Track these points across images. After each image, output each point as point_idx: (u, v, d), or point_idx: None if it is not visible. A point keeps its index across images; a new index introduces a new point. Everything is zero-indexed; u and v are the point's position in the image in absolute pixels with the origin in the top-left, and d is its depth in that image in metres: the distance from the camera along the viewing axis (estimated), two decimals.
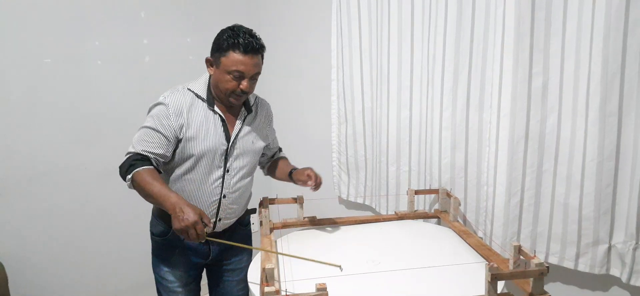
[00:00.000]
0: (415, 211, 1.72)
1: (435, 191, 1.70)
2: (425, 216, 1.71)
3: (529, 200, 1.45)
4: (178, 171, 1.38)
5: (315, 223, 1.61)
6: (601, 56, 1.23)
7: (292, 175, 1.52)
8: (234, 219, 1.51)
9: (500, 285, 1.07)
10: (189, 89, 1.39)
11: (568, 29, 1.31)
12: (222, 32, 1.36)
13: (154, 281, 1.56)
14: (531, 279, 1.02)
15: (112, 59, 2.02)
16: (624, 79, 1.22)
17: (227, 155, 1.41)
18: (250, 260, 1.52)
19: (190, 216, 1.15)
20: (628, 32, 1.20)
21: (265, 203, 1.60)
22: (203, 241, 1.19)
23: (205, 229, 1.18)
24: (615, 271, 1.34)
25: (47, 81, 1.86)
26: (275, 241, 1.46)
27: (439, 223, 1.72)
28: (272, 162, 1.68)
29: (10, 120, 1.79)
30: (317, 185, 1.47)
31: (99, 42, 1.99)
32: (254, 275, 1.29)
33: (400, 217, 1.68)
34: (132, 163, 1.28)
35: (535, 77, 1.37)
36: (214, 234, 1.44)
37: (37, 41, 1.83)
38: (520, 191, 1.45)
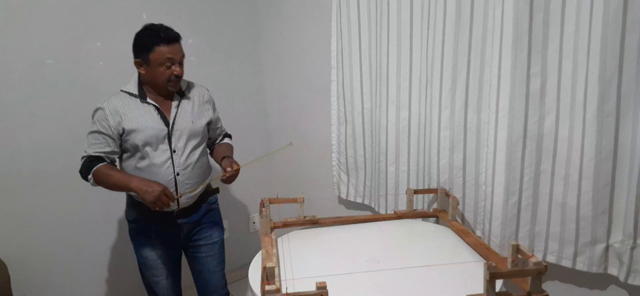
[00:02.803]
0: (414, 210, 1.73)
1: (434, 191, 1.71)
2: (424, 216, 1.72)
3: (527, 200, 1.46)
4: (132, 163, 1.56)
5: (315, 222, 1.62)
6: (599, 57, 1.24)
7: (222, 162, 1.68)
8: (194, 195, 1.65)
9: (499, 284, 1.08)
10: (122, 91, 1.58)
11: (566, 30, 1.31)
12: (140, 34, 1.54)
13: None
14: (529, 278, 1.03)
15: (114, 60, 2.03)
16: (622, 79, 1.23)
17: (170, 137, 1.57)
18: (222, 235, 1.80)
19: (155, 188, 1.40)
20: (626, 32, 1.20)
21: (265, 202, 1.61)
22: (175, 205, 1.46)
23: (170, 203, 1.43)
24: (613, 270, 1.34)
25: (49, 81, 1.87)
26: (276, 240, 1.47)
27: (437, 222, 1.73)
28: (216, 145, 1.84)
29: (12, 120, 1.80)
30: (227, 178, 1.62)
31: (101, 43, 1.99)
32: (254, 274, 1.30)
33: (399, 216, 1.69)
34: (88, 165, 1.49)
35: (533, 78, 1.38)
36: (182, 211, 1.63)
37: (39, 42, 1.84)
38: (518, 190, 1.46)
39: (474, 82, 1.56)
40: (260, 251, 1.39)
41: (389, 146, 1.88)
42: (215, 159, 1.78)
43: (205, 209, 1.74)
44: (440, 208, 1.70)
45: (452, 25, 1.56)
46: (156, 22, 2.14)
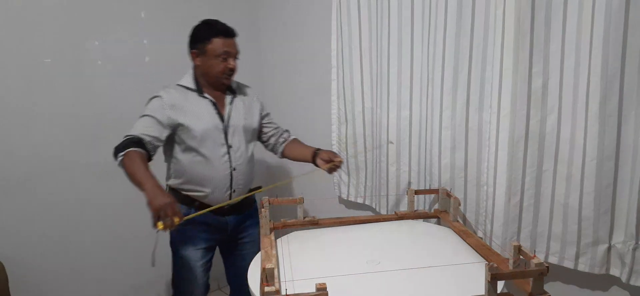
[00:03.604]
0: (415, 211, 1.72)
1: (435, 191, 1.70)
2: (425, 216, 1.71)
3: (529, 200, 1.45)
4: (190, 156, 1.56)
5: (315, 223, 1.61)
6: (601, 56, 1.23)
7: (320, 153, 1.67)
8: (245, 191, 1.67)
9: (500, 285, 1.07)
10: (178, 85, 1.59)
11: (568, 29, 1.31)
12: (198, 27, 1.59)
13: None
14: (531, 279, 1.02)
15: (112, 59, 2.02)
16: (624, 78, 1.22)
17: (226, 133, 1.59)
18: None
19: (166, 198, 1.27)
20: (628, 31, 1.20)
21: (264, 203, 1.60)
22: (172, 228, 1.26)
23: (175, 220, 1.26)
24: (615, 271, 1.34)
25: (47, 80, 1.86)
26: (275, 241, 1.46)
27: (438, 223, 1.72)
28: (287, 144, 1.82)
29: (10, 120, 1.80)
30: (333, 168, 1.63)
31: (99, 42, 1.99)
32: (253, 275, 1.29)
33: (400, 217, 1.68)
34: (127, 143, 1.42)
35: (535, 77, 1.37)
36: (231, 207, 1.64)
37: (37, 41, 1.83)
38: (520, 191, 1.45)
39: (475, 82, 1.56)
40: (260, 252, 1.38)
41: (389, 145, 1.87)
42: (294, 157, 1.78)
43: (250, 208, 1.75)
44: (441, 208, 1.69)
45: (453, 23, 1.55)
46: (155, 21, 2.15)
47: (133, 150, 1.40)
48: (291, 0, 2.37)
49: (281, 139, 1.82)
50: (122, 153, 1.39)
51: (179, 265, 1.65)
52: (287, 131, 1.86)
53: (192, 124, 1.52)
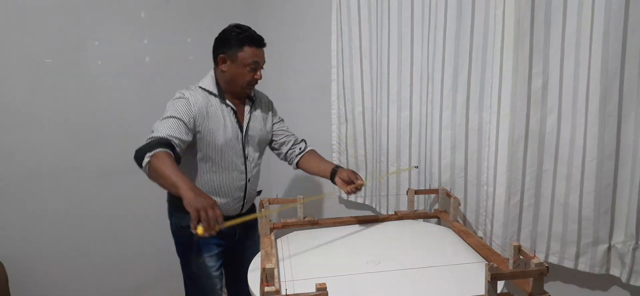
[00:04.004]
0: (415, 211, 1.72)
1: (435, 191, 1.70)
2: (425, 216, 1.71)
3: (529, 200, 1.45)
4: (207, 164, 1.51)
5: (315, 223, 1.61)
6: (601, 56, 1.23)
7: (339, 171, 1.55)
8: (252, 199, 1.68)
9: (500, 285, 1.07)
10: (201, 87, 1.51)
11: (568, 29, 1.31)
12: (229, 30, 1.50)
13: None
14: (531, 279, 1.02)
15: (112, 59, 2.02)
16: (624, 78, 1.23)
17: (244, 143, 1.55)
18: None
19: (207, 199, 1.15)
20: (628, 31, 1.20)
21: (264, 203, 1.60)
22: (213, 233, 1.13)
23: (216, 227, 1.13)
24: (615, 271, 1.34)
25: (47, 81, 1.86)
26: (275, 241, 1.46)
27: (438, 223, 1.72)
28: (304, 156, 1.71)
29: (10, 120, 1.79)
30: (352, 191, 1.52)
31: (99, 42, 1.99)
32: (253, 275, 1.29)
33: (400, 217, 1.68)
34: (154, 145, 1.28)
35: (535, 77, 1.37)
36: (241, 215, 1.52)
37: (38, 41, 1.83)
38: (520, 190, 1.45)
39: (475, 82, 1.56)
40: (260, 252, 1.38)
41: (389, 145, 1.87)
42: (311, 171, 1.68)
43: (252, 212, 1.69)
44: (441, 208, 1.69)
45: (453, 24, 1.55)
46: (154, 21, 2.15)
47: (162, 151, 1.27)
48: (291, 0, 2.37)
49: (297, 150, 1.72)
50: (150, 153, 1.26)
51: (196, 272, 1.59)
52: (303, 140, 1.76)
53: (215, 133, 1.47)
